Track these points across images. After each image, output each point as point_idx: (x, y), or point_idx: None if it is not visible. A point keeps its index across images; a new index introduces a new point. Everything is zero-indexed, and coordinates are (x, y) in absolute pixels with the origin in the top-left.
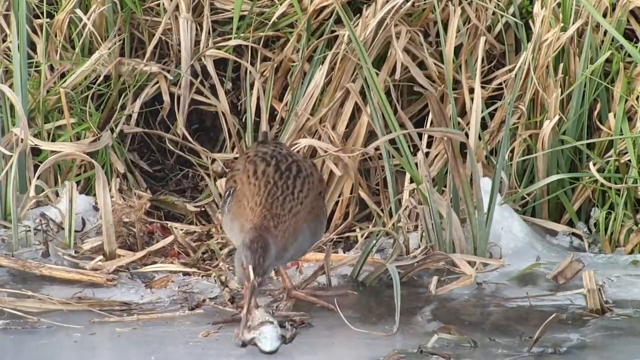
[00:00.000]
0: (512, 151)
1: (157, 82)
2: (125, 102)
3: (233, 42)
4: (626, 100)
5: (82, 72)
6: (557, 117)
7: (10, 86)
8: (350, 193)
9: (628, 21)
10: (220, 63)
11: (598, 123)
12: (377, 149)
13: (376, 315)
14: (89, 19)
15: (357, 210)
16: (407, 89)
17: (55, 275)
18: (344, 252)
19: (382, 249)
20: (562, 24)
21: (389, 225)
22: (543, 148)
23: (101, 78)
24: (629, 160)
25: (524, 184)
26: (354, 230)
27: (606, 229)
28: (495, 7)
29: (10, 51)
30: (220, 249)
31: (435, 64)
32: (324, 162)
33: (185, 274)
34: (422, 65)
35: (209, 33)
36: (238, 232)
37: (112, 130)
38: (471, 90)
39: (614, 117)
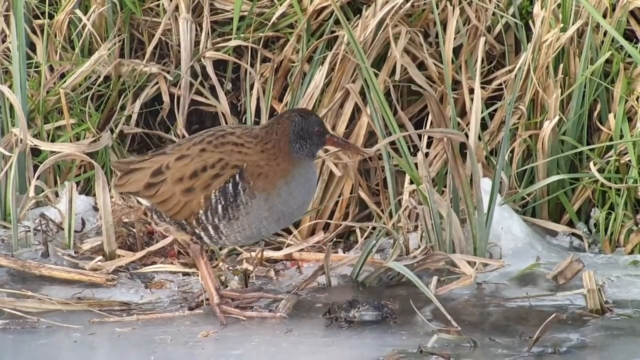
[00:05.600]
0: (512, 151)
1: (157, 83)
2: (125, 103)
3: (233, 43)
4: (626, 101)
5: (82, 73)
6: (557, 118)
7: (10, 87)
8: (350, 193)
9: (628, 22)
10: (220, 63)
11: (598, 123)
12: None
13: None
14: (88, 19)
15: (357, 211)
16: (407, 89)
17: (54, 275)
18: (344, 252)
19: (382, 249)
20: (562, 25)
21: (389, 226)
22: (543, 148)
23: (101, 78)
24: (629, 161)
25: (524, 184)
26: (354, 230)
27: (606, 229)
28: (495, 8)
29: (10, 51)
30: (220, 249)
31: (435, 64)
32: (323, 162)
33: (185, 274)
34: (422, 65)
35: (209, 34)
36: (272, 189)
37: (111, 131)
38: (471, 91)
39: (614, 117)
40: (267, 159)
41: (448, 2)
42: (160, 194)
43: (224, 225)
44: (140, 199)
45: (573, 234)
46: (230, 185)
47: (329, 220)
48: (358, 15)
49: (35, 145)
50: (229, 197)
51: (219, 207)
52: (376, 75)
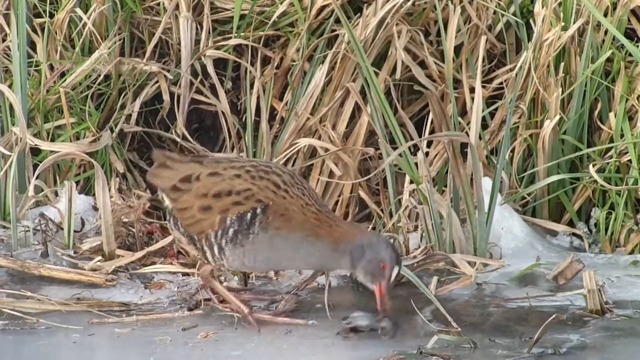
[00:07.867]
0: (512, 151)
1: (157, 82)
2: (125, 102)
3: (233, 42)
4: (627, 100)
5: (82, 72)
6: (557, 117)
7: (10, 86)
8: (350, 193)
9: (629, 20)
10: (220, 62)
11: (599, 122)
12: (377, 148)
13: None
14: (89, 18)
15: (357, 210)
16: (407, 89)
17: (54, 275)
18: None
19: None
20: (563, 23)
21: (389, 226)
22: (544, 148)
23: (101, 77)
24: (629, 161)
25: (524, 184)
26: None
27: (606, 229)
28: (496, 7)
29: (10, 50)
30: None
31: (435, 63)
32: (323, 161)
33: (185, 274)
34: (422, 64)
35: (209, 32)
36: (300, 240)
37: (111, 130)
38: (472, 90)
39: (615, 116)
40: (315, 214)
41: (449, 1)
42: (182, 202)
43: (229, 249)
44: (164, 197)
45: (573, 234)
46: (250, 214)
47: None
48: (359, 14)
49: (35, 144)
50: (244, 224)
51: (231, 230)
52: (376, 74)
